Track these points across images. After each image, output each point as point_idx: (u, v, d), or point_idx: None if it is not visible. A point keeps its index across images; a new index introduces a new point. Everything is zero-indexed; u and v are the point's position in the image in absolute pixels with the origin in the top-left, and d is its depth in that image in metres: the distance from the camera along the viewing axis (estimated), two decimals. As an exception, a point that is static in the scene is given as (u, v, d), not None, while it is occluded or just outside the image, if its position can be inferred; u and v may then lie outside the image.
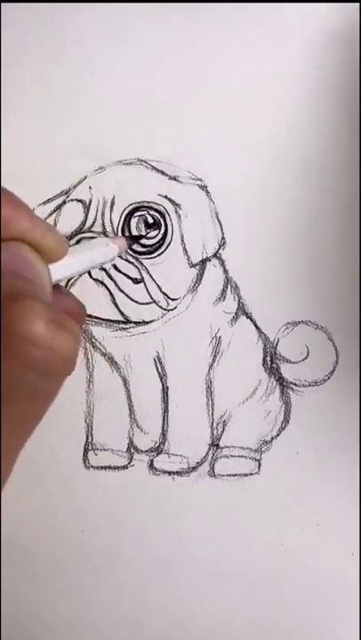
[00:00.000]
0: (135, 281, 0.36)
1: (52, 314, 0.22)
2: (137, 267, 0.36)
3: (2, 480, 0.23)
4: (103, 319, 0.37)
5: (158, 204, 0.37)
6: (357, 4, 0.37)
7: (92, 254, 0.31)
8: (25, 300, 0.22)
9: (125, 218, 0.36)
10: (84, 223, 0.37)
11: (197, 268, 0.37)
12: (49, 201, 0.37)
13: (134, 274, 0.36)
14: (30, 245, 0.25)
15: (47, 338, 0.22)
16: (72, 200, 0.37)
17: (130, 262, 0.36)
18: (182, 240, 0.37)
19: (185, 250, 0.37)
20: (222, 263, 0.37)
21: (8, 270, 0.24)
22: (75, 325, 0.23)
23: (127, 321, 0.37)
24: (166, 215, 0.37)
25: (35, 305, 0.22)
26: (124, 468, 0.37)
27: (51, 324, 0.22)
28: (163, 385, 0.37)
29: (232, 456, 0.37)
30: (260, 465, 0.37)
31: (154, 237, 0.36)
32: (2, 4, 0.37)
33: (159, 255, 0.36)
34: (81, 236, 0.37)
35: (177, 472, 0.37)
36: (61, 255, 0.27)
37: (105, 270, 0.36)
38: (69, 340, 0.23)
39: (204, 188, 0.37)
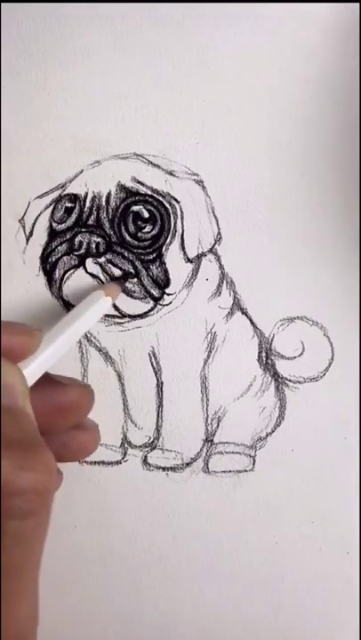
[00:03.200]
0: (130, 275, 0.36)
1: (19, 454, 0.22)
2: (132, 261, 0.36)
3: (4, 632, 0.22)
4: (98, 314, 0.37)
5: (154, 199, 0.36)
6: (357, 4, 0.37)
7: (81, 323, 0.30)
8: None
9: (121, 212, 0.36)
10: (79, 217, 0.37)
11: (193, 263, 0.37)
12: (44, 195, 0.37)
13: (129, 268, 0.36)
14: None
15: (16, 484, 0.21)
16: (68, 194, 0.37)
17: (125, 257, 0.36)
18: (178, 235, 0.37)
19: (181, 245, 0.37)
20: (218, 258, 0.37)
21: None
22: (44, 454, 0.23)
23: (122, 315, 0.37)
24: (162, 210, 0.37)
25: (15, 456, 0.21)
26: (118, 463, 0.37)
27: (18, 468, 0.21)
28: (157, 380, 0.37)
29: (226, 452, 0.37)
30: (254, 461, 0.37)
31: (149, 232, 0.36)
32: (2, 3, 0.37)
33: (155, 250, 0.36)
34: (77, 230, 0.37)
35: (171, 468, 0.37)
36: (33, 347, 0.26)
37: (100, 265, 0.36)
38: (40, 475, 0.22)
39: (200, 182, 0.37)
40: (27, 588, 0.24)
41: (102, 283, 0.36)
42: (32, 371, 0.27)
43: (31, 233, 0.37)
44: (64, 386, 0.30)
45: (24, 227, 0.37)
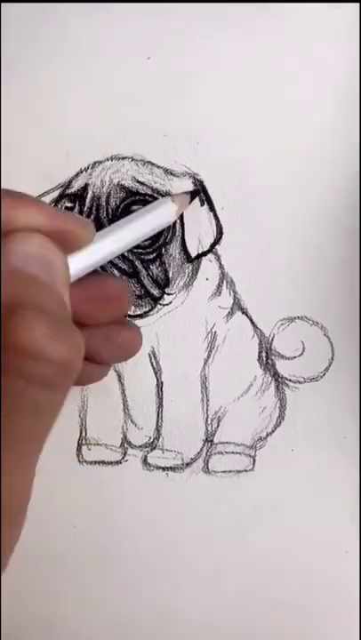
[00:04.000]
0: (130, 275, 0.36)
1: (53, 324, 0.22)
2: (132, 261, 0.36)
3: (3, 502, 0.22)
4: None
5: (154, 199, 0.36)
6: (357, 4, 0.37)
7: (139, 225, 0.28)
8: (24, 312, 0.21)
9: (121, 212, 0.36)
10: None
11: (193, 262, 0.37)
12: (44, 195, 0.37)
13: (129, 268, 0.36)
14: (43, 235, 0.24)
15: (46, 351, 0.21)
16: (67, 194, 0.37)
17: (125, 256, 0.36)
18: (178, 235, 0.37)
19: (181, 244, 0.37)
20: (218, 258, 0.37)
21: (7, 273, 0.22)
22: (76, 334, 0.23)
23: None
24: (162, 210, 0.36)
25: (33, 317, 0.21)
26: (118, 463, 0.37)
27: (49, 336, 0.21)
28: (157, 380, 0.37)
29: (226, 452, 0.37)
30: (254, 461, 0.37)
31: (149, 232, 0.36)
32: (1, 3, 0.37)
33: (154, 250, 0.36)
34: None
35: (171, 468, 0.37)
36: (86, 241, 0.26)
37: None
38: (70, 350, 0.22)
39: (200, 182, 0.37)
40: (30, 458, 0.24)
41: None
42: (79, 262, 0.26)
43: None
44: (103, 276, 0.29)
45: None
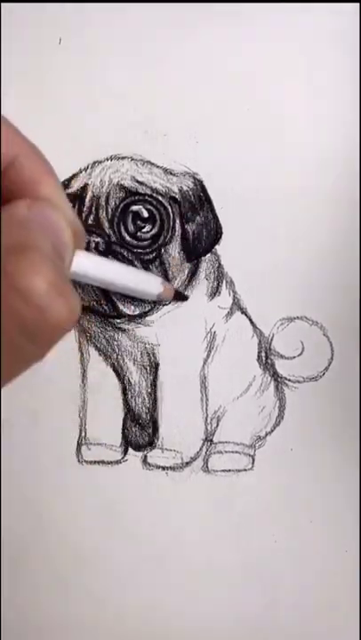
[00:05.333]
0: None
1: (57, 277, 0.21)
2: (132, 261, 0.36)
3: None
4: (98, 313, 0.37)
5: (154, 199, 0.36)
6: (357, 4, 0.37)
7: (134, 277, 0.30)
8: (33, 253, 0.21)
9: (120, 212, 0.36)
10: (79, 217, 0.37)
11: (193, 262, 0.37)
12: (44, 194, 0.37)
13: (129, 268, 0.36)
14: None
15: (44, 300, 0.20)
16: (67, 194, 0.37)
17: (124, 256, 0.36)
18: (177, 235, 0.37)
19: (180, 244, 0.37)
20: (218, 258, 0.37)
21: (25, 220, 0.22)
22: (76, 298, 0.22)
23: (122, 315, 0.37)
24: (162, 209, 0.36)
25: (42, 261, 0.21)
26: (118, 462, 0.37)
27: (52, 287, 0.20)
28: (157, 380, 0.37)
29: (226, 452, 0.37)
30: (253, 461, 0.37)
31: (149, 232, 0.36)
32: (1, 4, 0.37)
33: (154, 249, 0.36)
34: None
35: (171, 467, 0.37)
36: (78, 245, 0.26)
37: (99, 264, 0.36)
38: (66, 309, 0.21)
39: (199, 182, 0.37)
40: None
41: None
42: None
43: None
44: None
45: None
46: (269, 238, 0.37)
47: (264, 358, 0.37)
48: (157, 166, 0.37)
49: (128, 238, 0.36)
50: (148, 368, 0.37)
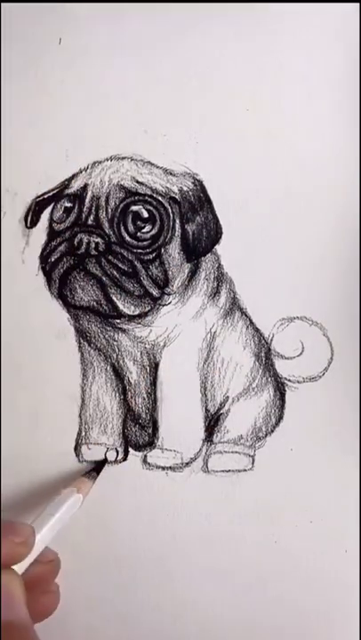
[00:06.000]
0: (130, 275, 0.36)
1: None
2: (131, 261, 0.36)
3: None
4: (98, 313, 0.37)
5: (154, 199, 0.36)
6: (357, 4, 0.37)
7: (60, 517, 0.32)
8: None
9: (120, 212, 0.36)
10: (79, 217, 0.37)
11: (193, 262, 0.37)
12: (44, 195, 0.37)
13: (128, 268, 0.36)
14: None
15: None
16: (67, 194, 0.37)
17: (124, 256, 0.36)
18: (177, 235, 0.37)
19: (180, 244, 0.37)
20: (217, 258, 0.37)
21: None
22: None
23: (122, 315, 0.37)
24: (162, 210, 0.36)
25: None
26: (118, 463, 0.37)
27: None
28: (157, 380, 0.37)
29: (226, 452, 0.37)
30: (253, 461, 0.37)
31: (149, 232, 0.36)
32: (2, 4, 0.37)
33: (154, 250, 0.36)
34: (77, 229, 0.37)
35: (170, 467, 0.37)
36: (30, 550, 0.30)
37: (99, 264, 0.36)
38: None
39: (199, 182, 0.37)
40: None
41: (102, 283, 0.36)
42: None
43: (30, 233, 0.37)
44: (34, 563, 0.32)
45: (23, 226, 0.37)
46: (269, 238, 0.37)
47: (264, 358, 0.37)
48: (157, 166, 0.37)
49: (128, 238, 0.36)
50: (148, 368, 0.37)
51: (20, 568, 0.30)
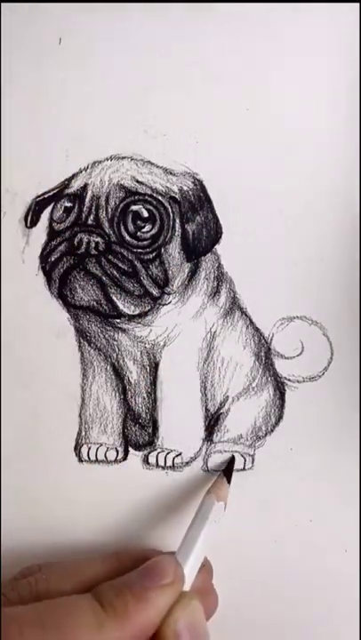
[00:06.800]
0: (130, 275, 0.36)
1: None
2: (131, 260, 0.36)
3: None
4: (98, 313, 0.37)
5: (154, 198, 0.36)
6: (357, 4, 0.37)
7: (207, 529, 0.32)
8: None
9: (120, 212, 0.36)
10: (79, 217, 0.37)
11: (193, 262, 0.37)
12: (44, 194, 0.37)
13: (128, 267, 0.36)
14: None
15: None
16: (67, 194, 0.37)
17: (124, 256, 0.36)
18: (177, 234, 0.37)
19: (180, 244, 0.37)
20: (217, 258, 0.37)
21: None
22: None
23: (122, 315, 0.37)
24: (162, 209, 0.37)
25: None
26: (118, 462, 0.37)
27: None
28: (157, 379, 0.37)
29: (226, 451, 0.37)
30: (253, 460, 0.37)
31: (149, 231, 0.36)
32: (1, 4, 0.37)
33: (154, 249, 0.36)
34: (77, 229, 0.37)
35: (171, 467, 0.37)
36: (183, 582, 0.29)
37: (99, 264, 0.36)
38: None
39: (199, 182, 0.37)
40: None
41: (102, 282, 0.36)
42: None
43: (30, 233, 0.37)
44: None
45: (23, 226, 0.37)
46: (269, 238, 0.37)
47: (264, 358, 0.37)
48: (157, 166, 0.37)
49: (128, 238, 0.36)
50: (148, 368, 0.37)
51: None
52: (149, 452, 0.37)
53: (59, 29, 0.37)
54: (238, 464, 0.37)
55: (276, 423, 0.37)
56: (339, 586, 0.37)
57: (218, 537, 0.36)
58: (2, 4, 0.37)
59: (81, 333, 0.37)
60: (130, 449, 0.37)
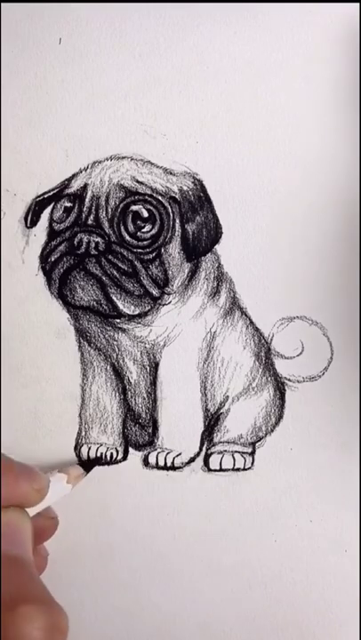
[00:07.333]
0: (130, 275, 0.36)
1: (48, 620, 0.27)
2: (131, 260, 0.36)
3: None
4: (98, 313, 0.37)
5: (154, 198, 0.36)
6: (357, 4, 0.37)
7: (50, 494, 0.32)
8: (23, 607, 0.25)
9: (120, 212, 0.36)
10: (79, 217, 0.37)
11: (193, 262, 0.37)
12: (44, 195, 0.37)
13: (128, 267, 0.36)
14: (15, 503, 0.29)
15: None
16: (67, 194, 0.37)
17: (124, 256, 0.36)
18: (177, 234, 0.37)
19: (180, 244, 0.37)
20: (217, 258, 0.37)
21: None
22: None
23: (122, 315, 0.37)
24: (162, 209, 0.37)
25: (32, 612, 0.26)
26: (118, 462, 0.37)
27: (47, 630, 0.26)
28: (157, 379, 0.37)
29: (226, 451, 0.37)
30: (253, 460, 0.37)
31: (149, 231, 0.36)
32: (1, 4, 0.37)
33: (154, 249, 0.36)
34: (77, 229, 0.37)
35: (171, 467, 0.37)
36: (41, 500, 0.31)
37: (99, 264, 0.36)
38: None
39: (199, 182, 0.37)
40: None
41: (102, 282, 0.36)
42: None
43: (30, 233, 0.37)
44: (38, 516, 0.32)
45: (23, 226, 0.37)
46: (269, 238, 0.37)
47: (264, 358, 0.37)
48: (157, 166, 0.37)
49: (128, 238, 0.36)
50: (148, 368, 0.37)
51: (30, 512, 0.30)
52: (149, 452, 0.37)
53: (59, 29, 0.37)
54: (238, 464, 0.37)
55: (276, 423, 0.37)
56: (339, 586, 0.37)
57: (218, 537, 0.36)
58: (2, 4, 0.37)
59: (81, 333, 0.37)
60: (130, 449, 0.37)
